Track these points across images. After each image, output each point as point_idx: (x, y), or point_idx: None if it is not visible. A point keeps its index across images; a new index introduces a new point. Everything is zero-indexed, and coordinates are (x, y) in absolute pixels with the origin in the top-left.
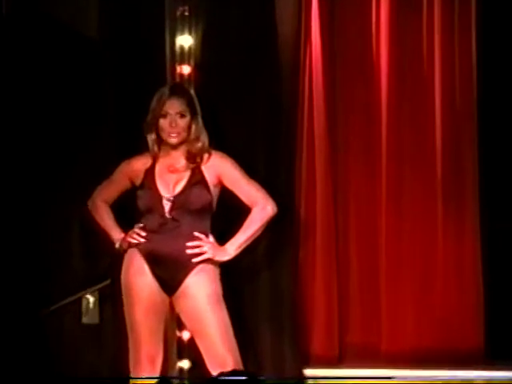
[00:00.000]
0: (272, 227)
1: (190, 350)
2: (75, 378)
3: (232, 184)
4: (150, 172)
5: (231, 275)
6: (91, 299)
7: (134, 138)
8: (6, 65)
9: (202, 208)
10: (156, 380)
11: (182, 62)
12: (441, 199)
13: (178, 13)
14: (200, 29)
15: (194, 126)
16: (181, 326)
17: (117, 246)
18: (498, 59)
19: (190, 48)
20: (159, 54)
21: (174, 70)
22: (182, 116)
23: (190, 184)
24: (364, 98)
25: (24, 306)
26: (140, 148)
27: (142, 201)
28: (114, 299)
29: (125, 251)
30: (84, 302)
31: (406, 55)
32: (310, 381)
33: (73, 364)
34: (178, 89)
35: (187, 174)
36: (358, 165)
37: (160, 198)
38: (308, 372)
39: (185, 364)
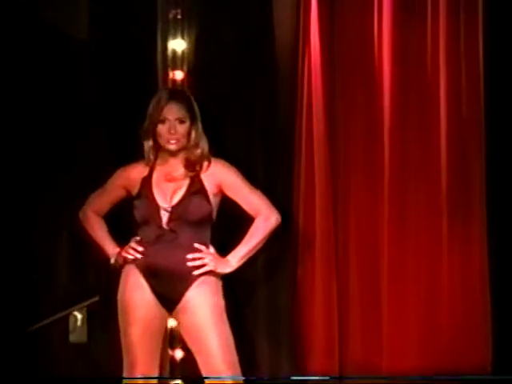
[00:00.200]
0: (270, 240)
1: (182, 369)
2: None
3: (234, 193)
4: (146, 181)
5: (227, 289)
6: (79, 316)
7: (124, 144)
8: None
9: (202, 219)
10: None
11: (174, 68)
12: (446, 212)
13: (171, 16)
14: (193, 32)
15: (193, 132)
16: (173, 345)
17: (112, 261)
18: (507, 67)
19: (182, 52)
20: (151, 59)
21: (167, 75)
22: (182, 122)
23: (189, 193)
24: (365, 106)
25: (7, 324)
26: (128, 154)
27: (139, 211)
28: (103, 317)
29: (121, 267)
30: (71, 320)
31: (410, 61)
32: None
33: None
34: (177, 93)
35: (186, 183)
36: (358, 177)
37: (157, 208)
38: None
39: None
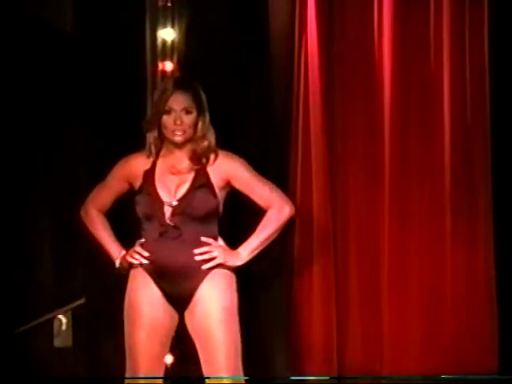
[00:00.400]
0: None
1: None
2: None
3: (244, 186)
4: (149, 174)
5: None
6: (63, 320)
7: (112, 136)
8: None
9: (207, 214)
10: None
11: (164, 58)
12: (450, 213)
13: (160, 3)
14: (184, 21)
15: (200, 123)
16: None
17: (117, 265)
18: None
19: (172, 42)
20: (139, 50)
21: (156, 66)
22: (188, 112)
23: (194, 187)
24: (365, 101)
25: None
26: (118, 150)
27: (141, 207)
28: (88, 320)
29: (126, 271)
30: (56, 324)
31: (411, 55)
32: None
33: None
34: (184, 82)
35: (191, 177)
36: (357, 174)
37: (161, 203)
38: None
39: None
